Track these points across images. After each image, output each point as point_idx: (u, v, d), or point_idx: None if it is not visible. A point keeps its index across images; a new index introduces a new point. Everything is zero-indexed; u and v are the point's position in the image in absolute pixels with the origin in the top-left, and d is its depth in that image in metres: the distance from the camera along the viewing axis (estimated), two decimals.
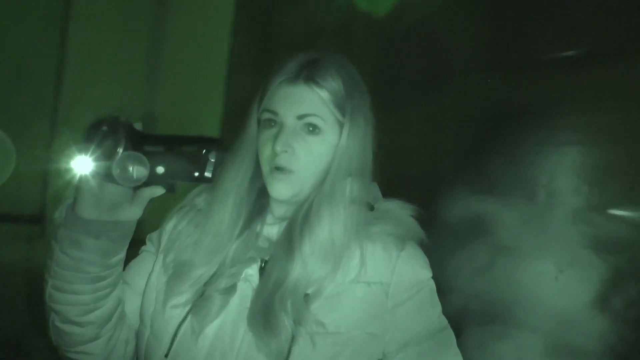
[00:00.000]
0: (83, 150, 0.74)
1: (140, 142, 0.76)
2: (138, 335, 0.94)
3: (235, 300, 0.88)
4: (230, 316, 0.87)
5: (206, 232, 0.91)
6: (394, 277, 0.89)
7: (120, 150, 0.73)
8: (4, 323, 2.08)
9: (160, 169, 0.75)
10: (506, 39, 1.41)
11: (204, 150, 0.75)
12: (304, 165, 0.89)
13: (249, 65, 2.41)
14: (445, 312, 0.96)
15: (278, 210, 0.94)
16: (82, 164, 0.75)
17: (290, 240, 0.88)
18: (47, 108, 2.41)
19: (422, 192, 1.48)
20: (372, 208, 0.95)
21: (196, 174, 0.75)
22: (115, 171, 0.73)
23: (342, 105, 0.90)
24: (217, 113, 2.43)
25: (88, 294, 0.85)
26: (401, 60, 1.70)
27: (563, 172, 1.25)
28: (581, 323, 1.15)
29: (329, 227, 0.87)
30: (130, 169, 0.74)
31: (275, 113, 0.90)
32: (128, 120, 0.77)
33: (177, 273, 0.91)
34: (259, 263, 0.90)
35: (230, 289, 0.88)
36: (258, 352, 0.84)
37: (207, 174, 0.75)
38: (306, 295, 0.85)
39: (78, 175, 0.76)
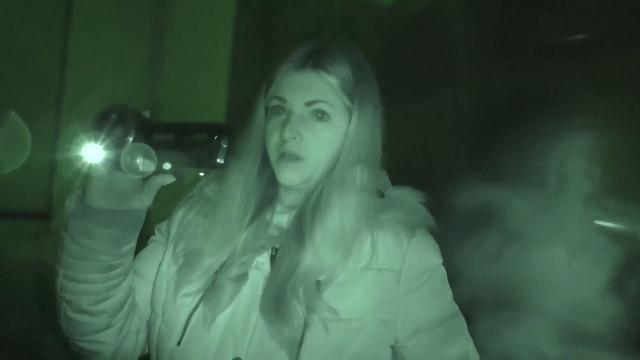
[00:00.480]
0: (93, 138, 0.74)
1: (150, 131, 0.76)
2: (149, 324, 0.95)
3: (246, 288, 0.88)
4: (242, 304, 0.87)
5: (216, 222, 0.92)
6: (405, 264, 0.89)
7: (130, 138, 0.74)
8: (12, 319, 2.08)
9: (171, 158, 0.75)
10: (513, 26, 1.40)
11: (216, 137, 0.75)
12: (313, 152, 0.88)
13: (253, 56, 2.39)
14: (456, 299, 0.95)
15: (288, 198, 0.94)
16: (92, 153, 0.75)
17: (301, 228, 0.89)
18: (52, 102, 2.41)
19: (431, 182, 1.47)
20: (382, 195, 0.95)
21: (208, 161, 0.75)
22: (124, 161, 0.73)
23: (350, 92, 0.90)
24: (222, 105, 2.42)
25: (99, 283, 0.85)
26: (406, 52, 1.69)
27: (574, 158, 1.24)
28: (594, 308, 1.14)
29: (340, 214, 0.87)
30: (138, 160, 0.74)
31: (283, 100, 0.89)
32: (136, 109, 0.77)
33: (187, 262, 0.91)
34: (269, 251, 0.90)
35: (242, 277, 0.88)
36: (271, 340, 0.84)
37: (220, 161, 0.75)
38: (318, 282, 0.86)
39: (88, 164, 0.76)
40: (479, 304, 1.18)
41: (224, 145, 0.75)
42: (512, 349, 1.22)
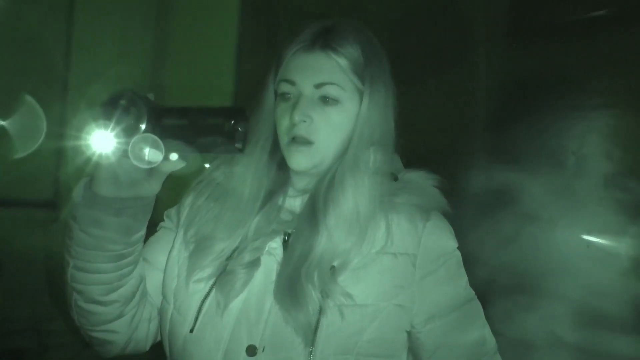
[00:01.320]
0: (101, 126, 0.70)
1: (161, 116, 0.73)
2: (161, 312, 0.93)
3: (259, 274, 0.87)
4: (255, 290, 0.86)
5: (227, 206, 0.90)
6: (420, 248, 0.88)
7: (142, 125, 0.71)
8: (21, 307, 2.09)
9: (183, 145, 0.73)
10: (527, 4, 1.37)
11: (233, 121, 0.72)
12: (324, 136, 0.87)
13: (259, 38, 2.37)
14: (473, 283, 0.93)
15: (300, 182, 0.93)
16: (101, 142, 0.71)
17: (314, 212, 0.87)
18: (58, 89, 2.40)
19: (447, 163, 1.45)
20: (395, 178, 0.93)
21: (226, 146, 0.73)
22: (132, 152, 0.70)
23: (361, 73, 0.88)
24: (228, 88, 2.40)
25: (111, 272, 0.84)
26: (418, 32, 1.66)
27: (593, 138, 1.21)
28: (613, 291, 1.12)
29: (354, 198, 0.86)
30: (146, 150, 0.71)
31: (292, 83, 0.88)
32: (145, 94, 0.74)
33: (199, 247, 0.90)
34: (282, 236, 0.89)
35: (254, 263, 0.87)
36: (286, 326, 0.83)
37: (238, 145, 0.73)
38: (332, 267, 0.84)
39: (97, 152, 0.73)
40: (496, 288, 1.16)
41: (242, 130, 0.72)
42: (530, 332, 1.20)
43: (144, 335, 0.94)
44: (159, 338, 0.96)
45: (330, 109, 0.87)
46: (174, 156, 0.73)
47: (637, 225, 1.13)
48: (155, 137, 0.71)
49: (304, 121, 0.86)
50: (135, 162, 0.71)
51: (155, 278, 0.94)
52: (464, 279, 0.93)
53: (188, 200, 0.97)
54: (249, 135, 0.74)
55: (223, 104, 0.76)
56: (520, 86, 1.37)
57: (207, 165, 0.98)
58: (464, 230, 1.11)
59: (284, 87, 0.88)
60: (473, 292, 0.94)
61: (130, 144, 0.70)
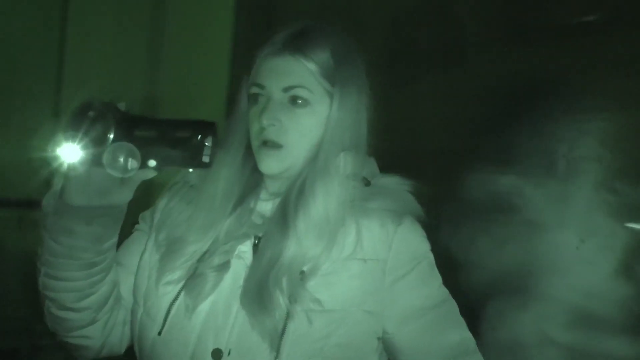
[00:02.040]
0: (69, 136, 0.71)
1: (131, 127, 0.72)
2: (132, 314, 0.93)
3: (228, 277, 0.87)
4: (223, 294, 0.86)
5: (199, 208, 0.91)
6: (391, 253, 0.88)
7: (110, 136, 0.70)
8: (13, 307, 2.08)
9: (154, 155, 0.72)
10: (522, 6, 1.37)
11: (200, 135, 0.72)
12: (293, 139, 0.87)
13: (254, 43, 2.37)
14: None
15: (272, 186, 0.93)
16: (70, 152, 0.71)
17: (284, 216, 0.87)
18: (50, 92, 2.39)
19: (439, 166, 1.46)
20: (368, 183, 0.93)
21: (193, 159, 0.73)
22: (107, 161, 0.70)
23: (330, 76, 0.88)
24: (222, 94, 2.40)
25: (82, 280, 0.84)
26: (413, 32, 1.66)
27: (585, 141, 1.22)
28: (604, 292, 1.13)
29: (324, 203, 0.85)
30: (121, 159, 0.71)
31: (261, 87, 0.88)
32: (115, 104, 0.74)
33: (170, 250, 0.90)
34: (252, 240, 0.89)
35: (224, 266, 0.87)
36: (252, 330, 0.83)
37: (205, 159, 0.73)
38: (302, 272, 0.84)
39: (65, 163, 0.73)
40: (488, 290, 1.17)
41: (208, 144, 0.73)
42: (522, 334, 1.21)
43: (119, 339, 0.95)
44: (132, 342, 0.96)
45: (300, 111, 0.87)
46: (152, 163, 0.72)
47: (625, 226, 1.14)
48: (132, 146, 0.71)
49: (273, 125, 0.86)
50: (111, 171, 0.71)
51: (129, 281, 0.94)
52: (438, 280, 0.93)
53: (162, 203, 0.98)
54: (218, 149, 0.74)
55: (197, 118, 0.76)
56: (513, 88, 1.38)
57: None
58: (459, 233, 1.13)
59: (255, 91, 0.89)
60: (447, 292, 0.93)
61: (105, 153, 0.70)
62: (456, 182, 1.33)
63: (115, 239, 0.86)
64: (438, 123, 1.50)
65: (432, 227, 0.89)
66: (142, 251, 0.94)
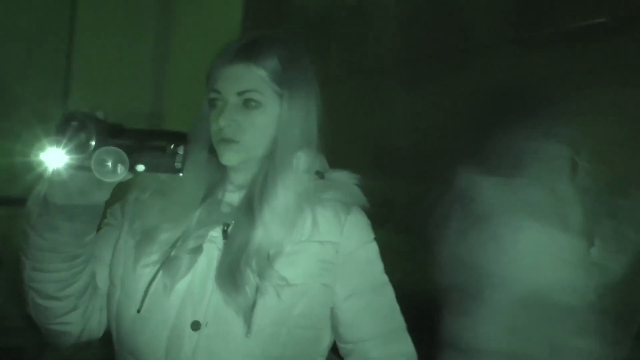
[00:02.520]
0: (55, 144, 0.80)
1: (110, 136, 0.82)
2: (108, 296, 1.03)
3: (202, 259, 0.98)
4: (199, 274, 0.97)
5: (172, 200, 1.02)
6: (342, 237, 1.02)
7: (92, 143, 0.80)
8: (21, 307, 2.08)
9: (133, 161, 0.82)
10: (532, 8, 1.36)
11: (173, 145, 0.83)
12: (248, 136, 0.99)
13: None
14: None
15: (236, 178, 1.05)
16: (54, 157, 0.81)
17: (251, 207, 1.00)
18: (58, 96, 2.40)
19: (441, 166, 1.46)
20: (322, 177, 1.06)
21: (167, 166, 0.84)
22: (95, 166, 0.79)
23: (279, 79, 0.99)
24: None
25: (65, 271, 0.94)
26: (421, 35, 1.66)
27: (589, 148, 1.21)
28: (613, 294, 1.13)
29: (284, 195, 0.99)
30: (109, 163, 0.80)
31: (218, 92, 1.00)
32: (96, 115, 0.84)
33: (145, 237, 1.00)
34: (222, 226, 1.00)
35: (197, 249, 0.98)
36: (227, 307, 0.95)
37: (177, 166, 0.84)
38: (268, 255, 0.97)
39: (50, 167, 0.82)
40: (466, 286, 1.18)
41: (180, 152, 0.83)
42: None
43: (97, 323, 1.05)
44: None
45: (253, 112, 0.99)
46: (140, 167, 0.82)
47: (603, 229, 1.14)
48: (121, 151, 0.80)
49: (229, 125, 0.98)
50: (99, 176, 0.80)
51: (104, 272, 1.04)
52: (381, 266, 1.07)
53: (133, 195, 1.08)
54: (188, 157, 0.85)
55: (171, 129, 0.87)
56: (520, 93, 1.37)
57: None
58: (459, 235, 1.13)
59: (212, 96, 1.01)
60: (387, 278, 1.08)
61: (94, 158, 0.79)
62: (458, 184, 1.34)
63: (94, 234, 0.96)
64: (442, 125, 1.50)
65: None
66: (117, 239, 1.04)
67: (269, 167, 1.00)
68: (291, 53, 1.03)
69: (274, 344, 0.96)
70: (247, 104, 0.99)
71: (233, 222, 1.00)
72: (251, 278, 0.95)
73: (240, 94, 0.99)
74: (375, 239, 1.07)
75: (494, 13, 1.43)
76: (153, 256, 0.99)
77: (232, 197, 1.05)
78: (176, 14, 2.79)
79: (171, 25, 2.79)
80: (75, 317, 1.00)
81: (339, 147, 2.02)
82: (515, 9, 1.40)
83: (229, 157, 1.00)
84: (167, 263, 0.97)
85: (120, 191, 1.03)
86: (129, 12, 2.67)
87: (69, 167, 0.81)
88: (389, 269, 1.09)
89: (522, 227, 1.23)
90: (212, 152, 1.03)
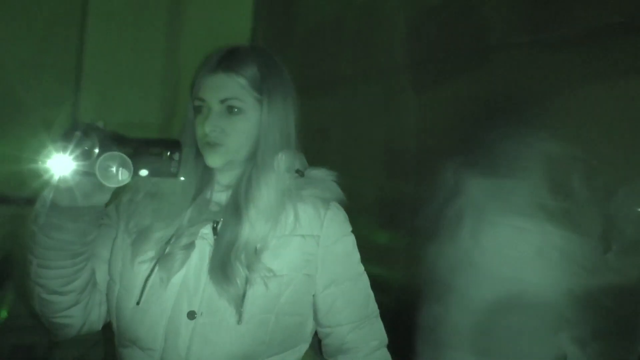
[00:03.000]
0: (60, 152, 0.87)
1: (112, 144, 0.89)
2: (108, 290, 1.11)
3: (195, 254, 1.07)
4: (192, 268, 1.06)
5: (164, 201, 1.10)
6: (323, 230, 1.11)
7: (96, 151, 0.87)
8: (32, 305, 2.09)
9: (135, 168, 0.89)
10: (547, 8, 1.34)
11: (169, 152, 0.92)
12: (231, 139, 1.08)
13: (273, 43, 2.37)
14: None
15: (223, 179, 1.14)
16: (60, 164, 0.88)
17: (237, 206, 1.08)
18: (70, 87, 2.41)
19: (452, 168, 1.44)
20: (302, 175, 1.15)
21: (164, 171, 0.92)
22: (100, 172, 0.87)
23: (259, 87, 1.09)
24: None
25: (69, 267, 1.02)
26: (433, 35, 1.64)
27: (606, 149, 1.19)
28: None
29: (267, 193, 1.07)
30: (113, 168, 0.87)
31: (202, 100, 1.09)
32: (99, 125, 0.91)
33: (140, 236, 1.09)
34: (212, 224, 1.09)
35: (190, 246, 1.07)
36: (219, 297, 1.04)
37: (173, 170, 0.93)
38: (255, 249, 1.06)
39: (56, 174, 0.90)
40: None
41: (175, 158, 0.92)
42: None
43: (97, 317, 1.13)
44: (108, 318, 1.15)
45: (235, 117, 1.08)
46: (144, 172, 0.91)
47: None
48: (125, 157, 0.88)
49: (214, 130, 1.07)
50: (103, 180, 0.88)
51: (102, 268, 1.12)
52: (357, 256, 1.18)
53: (126, 197, 1.17)
54: (182, 162, 0.94)
55: (167, 137, 0.96)
56: (534, 96, 1.35)
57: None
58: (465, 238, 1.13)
59: (198, 103, 1.10)
60: (363, 268, 1.18)
61: (98, 164, 0.87)
62: (465, 186, 1.33)
63: (96, 233, 1.04)
64: (459, 127, 1.48)
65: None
66: (114, 238, 1.13)
67: (252, 168, 1.09)
68: (269, 62, 1.12)
69: (263, 330, 1.05)
70: (230, 110, 1.08)
71: (222, 219, 1.09)
72: (241, 270, 1.03)
73: (223, 101, 1.07)
74: (378, 236, 1.17)
75: (508, 13, 1.42)
76: (149, 253, 1.07)
77: (220, 196, 1.13)
78: (186, 19, 2.80)
79: (181, 30, 2.80)
80: (77, 311, 1.08)
81: (351, 148, 2.02)
82: (531, 9, 1.38)
83: (214, 160, 1.08)
84: (163, 259, 1.06)
85: (114, 193, 1.10)
86: (139, 19, 2.68)
87: (75, 173, 0.89)
88: (392, 268, 1.11)
89: (542, 232, 1.22)
90: (199, 155, 1.12)
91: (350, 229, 1.16)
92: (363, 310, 1.16)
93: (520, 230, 1.26)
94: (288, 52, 2.38)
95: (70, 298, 1.05)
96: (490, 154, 1.36)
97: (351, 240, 1.16)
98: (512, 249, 1.27)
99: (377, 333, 1.18)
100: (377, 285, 1.22)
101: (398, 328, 1.28)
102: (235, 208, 1.08)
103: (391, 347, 1.23)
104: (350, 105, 1.98)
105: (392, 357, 1.22)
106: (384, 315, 1.23)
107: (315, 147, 1.65)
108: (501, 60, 1.40)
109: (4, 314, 2.07)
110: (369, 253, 1.21)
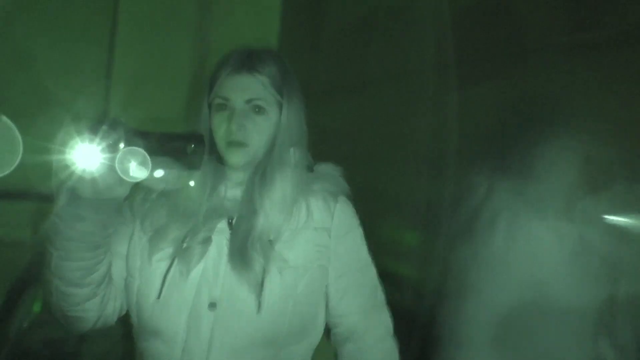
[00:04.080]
0: (87, 143, 0.90)
1: (136, 138, 0.91)
2: (126, 286, 1.14)
3: (212, 248, 1.10)
4: (211, 260, 1.09)
5: (179, 199, 1.13)
6: (333, 222, 1.15)
7: (121, 145, 0.90)
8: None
9: (155, 161, 0.92)
10: (585, 10, 1.32)
11: (192, 145, 0.95)
12: (255, 139, 1.11)
13: (301, 42, 2.37)
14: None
15: (236, 176, 1.16)
16: (86, 156, 0.91)
17: (252, 200, 1.12)
18: (101, 87, 2.45)
19: (483, 170, 1.43)
20: (311, 170, 1.20)
21: (187, 164, 0.96)
22: (120, 167, 0.90)
23: (280, 89, 1.13)
24: None
25: (89, 259, 1.04)
26: (465, 38, 1.63)
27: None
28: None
29: (281, 187, 1.11)
30: (133, 164, 0.90)
31: (226, 99, 1.11)
32: (123, 121, 0.93)
33: (157, 235, 1.12)
34: (227, 219, 1.12)
35: (207, 240, 1.10)
36: (239, 285, 1.07)
37: (196, 163, 0.96)
38: (270, 240, 1.09)
39: (81, 165, 0.92)
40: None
41: (198, 152, 0.96)
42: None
43: (112, 311, 1.14)
44: (123, 312, 1.17)
45: (259, 117, 1.12)
46: (159, 173, 0.93)
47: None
48: (144, 153, 0.90)
49: (240, 129, 1.09)
50: (122, 175, 0.91)
51: (118, 264, 1.14)
52: (365, 247, 1.20)
53: (140, 196, 1.18)
54: (204, 156, 0.98)
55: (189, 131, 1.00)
56: (572, 100, 1.32)
57: None
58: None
59: (220, 102, 1.12)
60: (370, 258, 1.21)
61: (117, 159, 0.90)
62: (513, 188, 1.31)
63: (115, 226, 1.07)
64: (494, 128, 1.47)
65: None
66: (131, 235, 1.15)
67: (267, 163, 1.13)
68: (285, 65, 1.17)
69: (281, 320, 1.08)
70: (254, 110, 1.11)
71: (237, 214, 1.13)
72: (257, 259, 1.07)
73: (248, 101, 1.11)
74: (409, 238, 1.16)
75: (546, 14, 1.40)
76: (167, 250, 1.10)
77: (234, 192, 1.16)
78: (213, 22, 2.83)
79: (209, 33, 2.82)
80: (94, 305, 1.10)
81: (381, 149, 2.01)
82: (569, 10, 1.35)
83: (238, 159, 1.12)
84: (181, 253, 1.09)
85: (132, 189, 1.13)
86: (168, 21, 2.71)
87: (99, 165, 0.91)
88: (422, 270, 1.10)
89: (579, 236, 1.21)
90: (212, 152, 1.14)
91: (358, 221, 1.20)
92: (372, 299, 1.20)
93: (556, 234, 1.25)
94: (315, 55, 2.38)
95: (89, 291, 1.07)
96: (525, 156, 1.34)
97: (360, 232, 1.20)
98: (547, 253, 1.26)
99: (384, 322, 1.21)
100: (407, 287, 1.22)
101: (428, 329, 1.27)
102: (250, 202, 1.11)
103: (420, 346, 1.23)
104: (381, 106, 1.97)
105: (414, 358, 1.23)
106: (413, 316, 1.23)
107: (345, 148, 1.64)
108: (538, 61, 1.38)
109: (38, 307, 2.11)
110: (398, 253, 1.21)
